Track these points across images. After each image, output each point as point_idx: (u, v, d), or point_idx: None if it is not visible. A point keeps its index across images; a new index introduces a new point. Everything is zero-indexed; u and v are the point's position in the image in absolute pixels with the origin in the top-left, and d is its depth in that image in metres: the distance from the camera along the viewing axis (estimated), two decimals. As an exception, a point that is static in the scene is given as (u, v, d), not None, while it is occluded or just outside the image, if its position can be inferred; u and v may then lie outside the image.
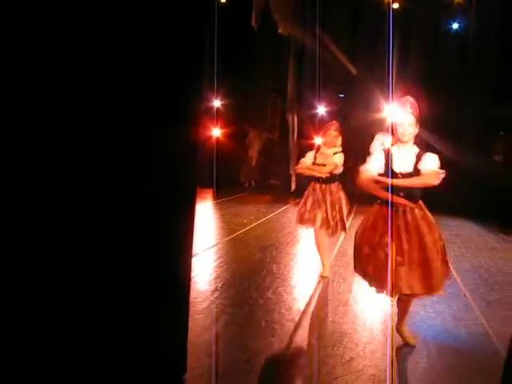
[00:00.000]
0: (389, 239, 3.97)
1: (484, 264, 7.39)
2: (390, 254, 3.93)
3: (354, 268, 4.29)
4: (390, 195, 4.02)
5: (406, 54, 14.44)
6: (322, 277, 6.18)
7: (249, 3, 13.37)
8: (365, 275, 4.17)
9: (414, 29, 14.66)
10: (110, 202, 2.37)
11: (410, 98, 4.19)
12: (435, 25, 14.48)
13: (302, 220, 6.37)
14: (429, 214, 4.11)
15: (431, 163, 4.07)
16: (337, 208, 6.23)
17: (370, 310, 5.08)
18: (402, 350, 4.14)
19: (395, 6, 14.27)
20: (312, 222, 6.25)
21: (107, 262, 2.40)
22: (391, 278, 3.90)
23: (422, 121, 4.18)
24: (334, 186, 6.27)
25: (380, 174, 4.14)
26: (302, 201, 6.45)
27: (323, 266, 6.32)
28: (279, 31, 13.69)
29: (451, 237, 9.21)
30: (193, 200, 2.90)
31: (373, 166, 4.21)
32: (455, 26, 14.77)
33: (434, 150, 4.18)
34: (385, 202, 4.08)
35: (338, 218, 6.22)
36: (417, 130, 4.15)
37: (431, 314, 5.00)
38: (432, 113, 10.60)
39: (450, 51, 14.52)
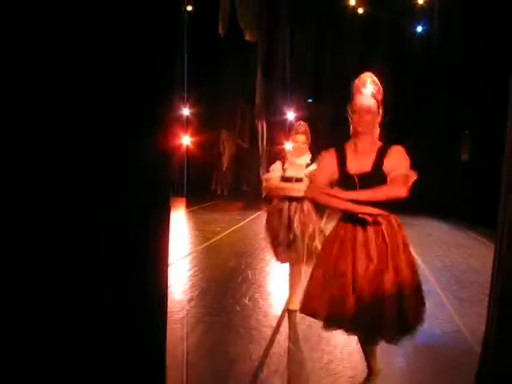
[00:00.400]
0: (347, 265, 3.07)
1: (455, 262, 7.53)
2: (348, 283, 3.06)
3: (301, 306, 3.33)
4: (346, 204, 3.07)
5: (372, 57, 14.67)
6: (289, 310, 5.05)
7: (215, 11, 13.41)
8: (318, 313, 3.20)
9: (380, 32, 14.92)
10: (79, 212, 2.34)
11: (370, 75, 3.15)
12: (400, 28, 14.76)
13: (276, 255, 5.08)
14: (400, 232, 3.16)
15: (399, 163, 3.06)
16: (316, 232, 4.81)
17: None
18: (379, 351, 4.19)
19: (360, 10, 14.53)
20: (287, 258, 5.02)
21: (77, 275, 2.37)
22: (350, 313, 3.06)
23: (387, 106, 3.19)
24: (306, 205, 4.84)
25: (334, 179, 3.19)
26: (265, 225, 5.16)
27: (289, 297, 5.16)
28: (246, 38, 13.74)
29: (422, 236, 9.36)
30: (167, 209, 2.89)
31: (322, 170, 3.25)
32: (419, 28, 15.08)
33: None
34: (346, 217, 3.17)
35: (315, 246, 4.71)
36: (379, 119, 3.16)
37: (406, 313, 5.05)
38: (398, 115, 10.83)
39: (416, 54, 14.82)
